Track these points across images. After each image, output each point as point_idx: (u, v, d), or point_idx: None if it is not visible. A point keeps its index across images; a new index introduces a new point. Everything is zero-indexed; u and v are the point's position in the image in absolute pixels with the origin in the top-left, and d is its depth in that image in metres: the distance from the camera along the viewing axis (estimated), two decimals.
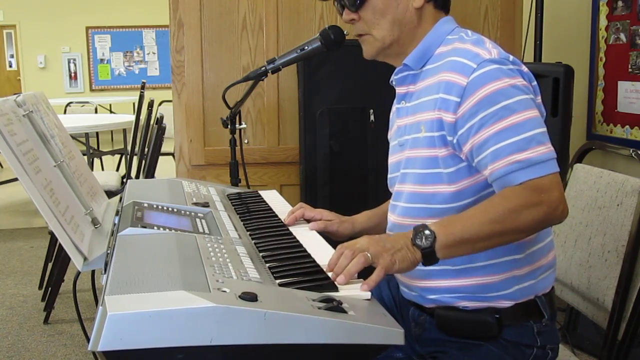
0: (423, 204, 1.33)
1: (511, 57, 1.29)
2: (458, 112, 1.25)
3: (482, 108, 1.22)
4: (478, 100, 1.23)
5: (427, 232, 1.18)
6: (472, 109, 1.23)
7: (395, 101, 1.49)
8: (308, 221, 1.60)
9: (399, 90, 1.45)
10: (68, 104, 7.55)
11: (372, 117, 2.59)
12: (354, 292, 1.12)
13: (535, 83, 1.31)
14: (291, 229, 1.52)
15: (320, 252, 1.32)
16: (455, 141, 1.27)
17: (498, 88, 1.22)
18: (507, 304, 1.32)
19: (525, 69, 1.30)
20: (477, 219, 1.19)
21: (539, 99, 1.31)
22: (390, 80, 1.47)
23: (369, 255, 1.16)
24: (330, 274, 1.17)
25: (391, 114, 1.55)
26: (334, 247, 1.28)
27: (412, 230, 1.20)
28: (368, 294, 1.12)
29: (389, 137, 1.55)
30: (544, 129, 1.23)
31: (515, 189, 1.20)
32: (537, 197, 1.18)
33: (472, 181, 1.29)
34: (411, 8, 1.37)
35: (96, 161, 6.65)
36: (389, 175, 1.50)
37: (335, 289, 1.11)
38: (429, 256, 1.18)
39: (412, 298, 1.42)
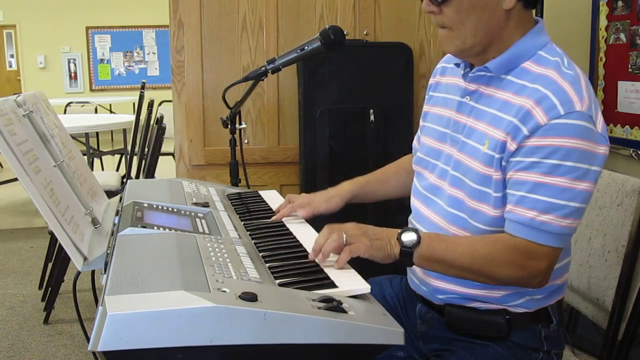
0: (465, 215, 1.31)
1: (593, 113, 1.20)
2: (522, 144, 1.20)
3: (541, 153, 1.18)
4: (544, 145, 1.18)
5: (414, 234, 1.23)
6: (533, 148, 1.19)
7: (455, 87, 1.41)
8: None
9: (469, 85, 1.36)
10: (68, 104, 7.55)
11: (372, 117, 2.59)
12: (352, 287, 1.12)
13: (607, 142, 1.22)
14: (288, 225, 1.53)
15: None
16: (504, 164, 1.24)
17: (568, 146, 1.16)
18: (519, 310, 1.32)
19: (600, 126, 1.21)
20: (461, 248, 1.23)
21: (604, 155, 1.22)
22: (457, 63, 1.40)
23: (344, 235, 1.22)
24: (332, 274, 1.17)
25: (432, 84, 1.52)
26: None
27: (403, 228, 1.25)
28: (367, 288, 1.13)
29: (424, 111, 1.51)
30: (583, 206, 1.19)
31: (510, 242, 1.21)
32: (523, 260, 1.20)
33: None
34: (500, 10, 1.24)
35: (96, 161, 6.65)
36: (420, 155, 1.48)
37: (335, 286, 1.12)
38: (406, 256, 1.23)
39: (422, 293, 1.42)
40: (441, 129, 1.42)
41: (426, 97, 1.55)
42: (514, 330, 1.32)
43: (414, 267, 1.44)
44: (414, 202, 1.48)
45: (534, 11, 1.32)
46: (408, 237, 1.23)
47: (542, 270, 1.21)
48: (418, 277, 1.42)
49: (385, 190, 1.68)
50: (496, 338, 1.32)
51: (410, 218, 1.49)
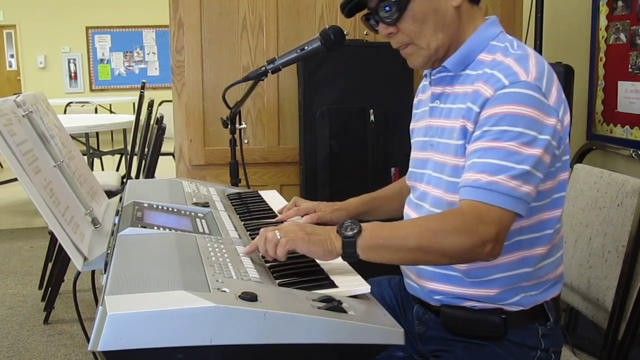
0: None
1: (544, 83, 1.23)
2: (476, 121, 1.24)
3: (490, 122, 1.20)
4: (492, 114, 1.21)
5: (353, 225, 1.17)
6: (483, 120, 1.22)
7: (428, 97, 1.45)
8: (303, 216, 1.60)
9: (434, 89, 1.40)
10: (68, 104, 7.55)
11: (372, 117, 2.59)
12: (352, 287, 1.12)
13: (561, 111, 1.24)
14: None
15: None
16: (467, 146, 1.26)
17: (515, 112, 1.18)
18: (514, 308, 1.32)
19: (554, 96, 1.24)
20: (405, 229, 1.19)
21: (559, 125, 1.23)
22: (425, 73, 1.45)
23: (277, 232, 1.18)
24: (332, 274, 1.17)
25: (416, 103, 1.54)
26: None
27: (341, 221, 1.20)
28: (367, 288, 1.13)
29: (411, 128, 1.53)
30: (535, 173, 1.18)
31: (458, 210, 1.19)
32: (473, 225, 1.15)
33: None
34: (450, 8, 1.31)
35: (96, 161, 6.65)
36: (410, 169, 1.49)
37: (334, 286, 1.12)
38: (349, 247, 1.16)
39: (418, 294, 1.42)
40: (422, 138, 1.46)
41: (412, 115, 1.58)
42: (511, 329, 1.31)
43: (405, 269, 1.44)
44: (406, 210, 1.48)
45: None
46: (348, 228, 1.17)
47: (492, 235, 1.15)
48: (412, 279, 1.42)
49: (390, 206, 1.66)
50: (493, 337, 1.32)
51: None
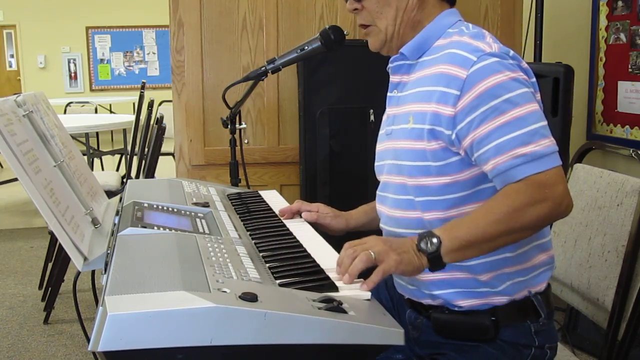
0: (412, 196, 1.32)
1: (511, 52, 1.27)
2: (457, 105, 1.23)
3: (484, 102, 1.21)
4: (479, 93, 1.21)
5: (431, 237, 1.18)
6: (473, 102, 1.22)
7: (388, 89, 1.47)
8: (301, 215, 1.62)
9: (393, 78, 1.44)
10: (68, 104, 7.55)
11: (372, 117, 2.59)
12: (354, 292, 1.12)
13: (534, 79, 1.30)
14: (288, 225, 1.53)
15: (321, 252, 1.32)
16: (453, 136, 1.25)
17: (499, 81, 1.21)
18: (502, 300, 1.31)
19: (524, 64, 1.29)
20: (481, 220, 1.19)
21: (538, 96, 1.30)
22: (387, 67, 1.46)
23: (372, 253, 1.16)
24: (332, 274, 1.17)
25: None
26: (334, 245, 1.28)
27: (417, 235, 1.20)
28: (368, 294, 1.12)
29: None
30: (546, 122, 1.22)
31: (519, 185, 1.18)
32: (542, 193, 1.17)
33: (466, 175, 1.27)
34: None
35: (96, 161, 6.65)
36: (375, 163, 1.49)
37: (336, 289, 1.11)
38: (435, 261, 1.18)
39: (409, 294, 1.41)
40: (381, 131, 1.48)
41: None
42: (503, 328, 1.30)
43: (399, 274, 1.43)
44: (377, 207, 1.48)
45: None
46: (427, 242, 1.18)
47: (562, 192, 1.18)
48: (403, 277, 1.41)
49: None
50: (486, 339, 1.32)
51: (380, 224, 1.48)
